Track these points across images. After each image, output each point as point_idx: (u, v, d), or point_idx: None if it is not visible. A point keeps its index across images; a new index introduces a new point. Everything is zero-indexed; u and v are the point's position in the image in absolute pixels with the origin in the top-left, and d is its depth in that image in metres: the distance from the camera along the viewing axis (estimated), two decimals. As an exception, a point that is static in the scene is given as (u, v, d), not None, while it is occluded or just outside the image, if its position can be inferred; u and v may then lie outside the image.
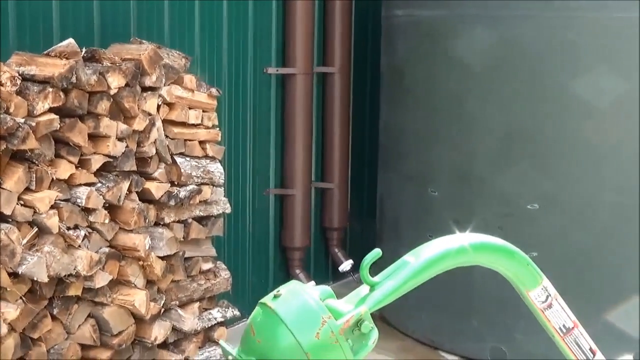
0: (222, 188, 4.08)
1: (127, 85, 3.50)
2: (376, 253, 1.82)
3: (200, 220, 4.02)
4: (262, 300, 1.80)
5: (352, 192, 6.16)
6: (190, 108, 3.89)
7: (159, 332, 3.72)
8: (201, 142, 3.97)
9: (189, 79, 3.88)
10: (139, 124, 3.57)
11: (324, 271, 6.05)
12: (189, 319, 3.88)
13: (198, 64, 4.61)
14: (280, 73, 5.28)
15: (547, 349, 4.61)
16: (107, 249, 3.49)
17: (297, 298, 1.76)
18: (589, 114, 4.22)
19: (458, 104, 4.56)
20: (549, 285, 2.00)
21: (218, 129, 4.07)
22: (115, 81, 3.42)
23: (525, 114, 4.33)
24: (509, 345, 4.55)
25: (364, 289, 1.86)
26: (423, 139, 4.79)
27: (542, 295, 1.95)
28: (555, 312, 1.97)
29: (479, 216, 4.56)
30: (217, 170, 4.02)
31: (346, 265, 5.89)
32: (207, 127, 4.00)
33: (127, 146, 3.53)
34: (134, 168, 3.58)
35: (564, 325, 2.00)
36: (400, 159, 5.04)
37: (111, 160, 3.48)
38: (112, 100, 3.43)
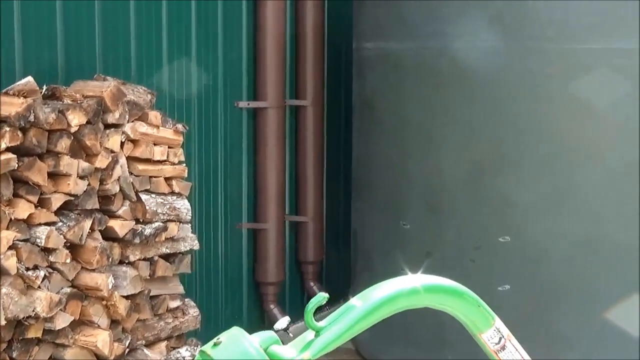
0: (189, 225, 4.04)
1: (88, 122, 3.46)
2: (321, 297, 1.78)
3: (167, 257, 3.98)
4: (202, 347, 1.75)
5: (327, 225, 6.12)
6: (155, 144, 3.86)
7: (123, 373, 3.65)
8: (167, 179, 3.94)
9: (154, 115, 3.86)
10: (101, 162, 3.53)
11: (299, 306, 5.98)
12: (156, 359, 3.82)
13: (167, 99, 4.58)
14: (251, 107, 5.26)
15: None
16: (68, 289, 3.43)
17: (237, 345, 1.71)
18: (559, 143, 4.21)
19: (426, 135, 4.54)
20: (502, 325, 1.96)
21: (184, 165, 4.04)
22: (76, 119, 3.39)
23: (493, 144, 4.32)
24: (483, 379, 4.49)
25: (309, 334, 1.81)
26: (393, 170, 4.77)
27: (494, 337, 1.92)
28: (509, 353, 1.93)
29: (450, 249, 4.53)
30: (183, 206, 3.98)
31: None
32: (173, 163, 3.97)
33: (88, 184, 3.49)
34: (97, 206, 3.54)
35: (518, 367, 1.95)
36: (371, 191, 5.02)
37: (72, 198, 3.43)
38: (72, 138, 3.39)
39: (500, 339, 1.91)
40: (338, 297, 6.16)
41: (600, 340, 4.22)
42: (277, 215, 5.40)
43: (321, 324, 1.80)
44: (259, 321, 5.53)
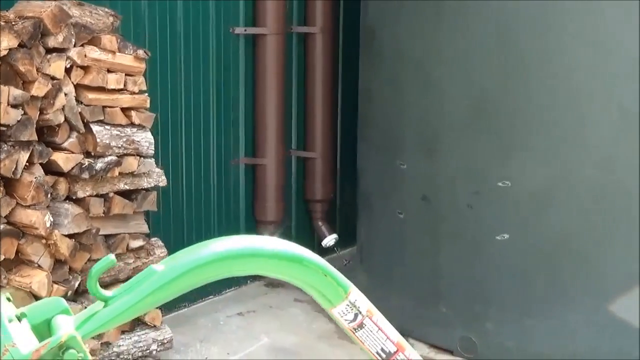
0: (152, 159, 3.74)
1: (21, 46, 3.16)
2: (108, 261, 1.45)
3: (127, 194, 3.70)
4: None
5: (341, 162, 5.76)
6: (110, 71, 3.55)
7: (67, 316, 3.41)
8: (125, 109, 3.63)
9: (109, 40, 3.54)
10: (39, 89, 3.24)
11: (307, 246, 5.65)
12: (107, 302, 3.56)
13: (145, 22, 4.26)
14: (249, 33, 4.88)
15: (520, 340, 4.19)
16: (1, 226, 3.19)
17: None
18: (566, 83, 3.70)
19: (424, 70, 4.09)
20: (360, 299, 1.59)
21: (146, 94, 3.72)
22: (5, 41, 3.09)
23: (495, 82, 3.85)
24: (479, 335, 4.12)
25: (98, 304, 1.49)
26: (391, 107, 4.35)
27: (348, 313, 1.55)
28: (369, 333, 1.56)
29: (447, 193, 4.11)
30: (144, 139, 3.68)
31: (329, 239, 5.53)
32: (133, 93, 3.65)
33: (24, 113, 3.21)
34: (34, 137, 3.26)
35: (382, 349, 1.58)
36: (371, 129, 4.61)
37: (3, 129, 3.16)
38: (0, 63, 3.10)
39: (356, 315, 1.54)
40: (349, 239, 5.83)
41: (603, 295, 3.77)
42: (277, 150, 5.06)
43: (109, 292, 1.47)
44: (258, 262, 5.25)
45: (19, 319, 1.44)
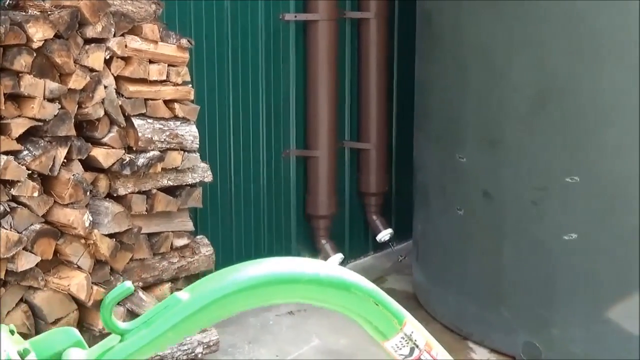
0: (197, 153, 3.56)
1: (58, 36, 3.00)
2: (124, 289, 1.25)
3: (171, 190, 3.53)
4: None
5: (397, 153, 5.52)
6: (151, 62, 3.37)
7: (108, 319, 3.26)
8: (168, 102, 3.45)
9: (150, 29, 3.36)
10: (77, 82, 3.08)
11: (362, 241, 5.46)
12: (150, 305, 3.41)
13: (190, 9, 4.07)
14: (299, 19, 4.65)
15: (589, 347, 3.92)
16: (38, 226, 3.04)
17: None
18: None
19: (487, 56, 3.83)
20: (417, 330, 1.36)
21: (190, 85, 3.53)
22: (40, 32, 2.93)
23: (565, 68, 3.56)
24: (544, 341, 3.86)
25: (114, 337, 1.29)
26: (450, 96, 4.09)
27: (404, 347, 1.33)
28: (427, 370, 1.34)
29: (510, 189, 3.85)
30: (189, 133, 3.50)
31: (384, 234, 5.30)
32: (176, 84, 3.48)
33: (61, 108, 3.05)
34: (72, 132, 3.10)
35: (443, 390, 1.36)
36: (428, 119, 4.36)
37: (40, 124, 3.00)
38: (35, 54, 2.94)
39: (412, 349, 1.32)
40: (405, 233, 5.59)
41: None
42: (329, 142, 4.83)
43: (127, 325, 1.27)
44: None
45: (22, 356, 1.25)
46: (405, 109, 5.41)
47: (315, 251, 5.03)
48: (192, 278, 3.70)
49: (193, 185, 3.61)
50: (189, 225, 3.65)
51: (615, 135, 3.52)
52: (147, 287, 3.52)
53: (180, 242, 3.61)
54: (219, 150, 4.36)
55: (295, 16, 4.63)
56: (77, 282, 3.11)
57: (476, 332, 4.16)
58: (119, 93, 3.28)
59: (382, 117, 5.16)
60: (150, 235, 3.50)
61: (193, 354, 3.69)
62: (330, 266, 1.40)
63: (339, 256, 4.94)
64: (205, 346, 3.73)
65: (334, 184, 4.92)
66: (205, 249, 3.74)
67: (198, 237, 3.78)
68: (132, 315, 3.40)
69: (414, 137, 4.70)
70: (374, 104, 5.10)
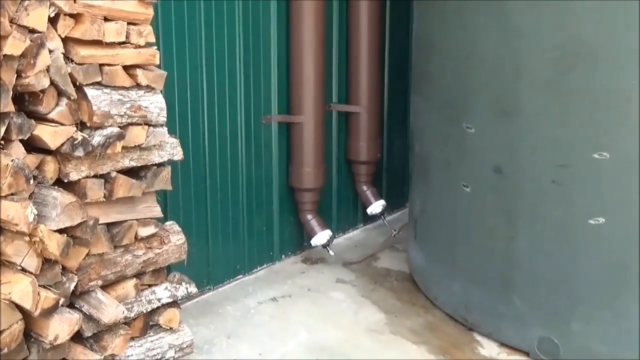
0: (164, 128, 3.02)
1: (-13, -10, 2.42)
2: None
3: (134, 172, 3.00)
4: None
5: (389, 118, 5.00)
6: (107, 20, 2.80)
7: (60, 327, 2.75)
8: (129, 68, 2.90)
9: (104, -20, 2.78)
10: (15, 46, 2.51)
11: (351, 213, 4.98)
12: (111, 307, 2.90)
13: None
14: (281, -30, 4.09)
15: (614, 345, 3.47)
16: (-31, 224, 2.50)
17: None
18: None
19: (501, 11, 3.30)
20: None
21: (155, 48, 2.97)
22: (-38, -14, 2.35)
23: (591, 27, 3.05)
24: (562, 336, 3.41)
25: None
26: (457, 57, 3.57)
27: None
28: None
29: (526, 165, 3.36)
30: (154, 104, 2.96)
31: (375, 207, 4.81)
32: (138, 46, 2.92)
33: (-6, 78, 2.49)
34: (10, 108, 2.55)
35: None
36: (429, 82, 3.84)
37: (-33, 99, 2.44)
38: (-42, 13, 2.37)
39: None
40: (397, 202, 5.11)
41: None
42: (315, 105, 4.31)
43: None
44: (294, 236, 4.56)
45: None
46: (399, 68, 4.90)
47: (299, 228, 4.54)
48: (160, 272, 3.19)
49: (160, 165, 3.09)
50: (156, 211, 3.13)
51: (652, 104, 3.02)
52: (107, 286, 3.00)
53: (146, 231, 3.10)
54: (190, 122, 3.83)
55: (276, -36, 4.06)
56: (20, 288, 2.58)
57: (484, 324, 3.70)
58: (67, 58, 2.73)
59: (373, 77, 4.64)
60: (110, 226, 2.98)
61: (164, 359, 3.20)
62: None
63: (327, 233, 4.45)
64: (178, 349, 3.24)
65: (320, 153, 4.41)
66: (176, 238, 3.23)
67: (167, 223, 3.27)
68: (90, 320, 2.89)
69: (411, 101, 4.18)
70: (364, 62, 4.58)
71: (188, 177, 3.86)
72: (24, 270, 2.64)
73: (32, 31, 2.58)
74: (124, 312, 2.94)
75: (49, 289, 2.73)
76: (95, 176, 2.86)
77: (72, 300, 2.89)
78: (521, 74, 3.28)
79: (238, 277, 4.27)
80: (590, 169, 3.18)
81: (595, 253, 3.26)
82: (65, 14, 2.69)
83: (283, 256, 4.53)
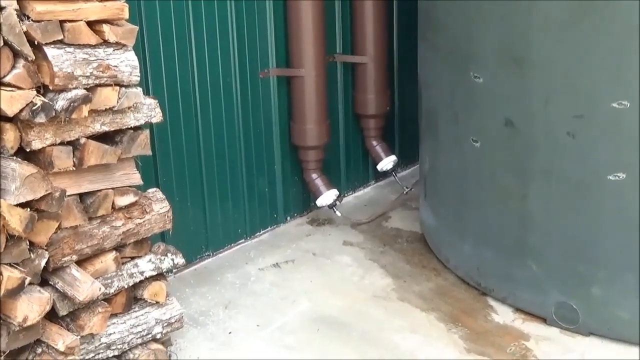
0: (138, 88, 2.77)
1: None
2: None
3: (112, 136, 2.77)
4: None
5: (400, 67, 4.70)
6: (66, -30, 2.54)
7: (29, 308, 2.55)
8: (94, 23, 2.64)
9: None
10: (-43, 3, 2.27)
11: (361, 170, 4.72)
12: (86, 284, 2.69)
13: None
14: None
15: (636, 310, 3.20)
16: None
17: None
18: None
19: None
20: None
21: (123, 0, 2.71)
22: None
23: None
24: (582, 301, 3.15)
25: None
26: (464, 3, 3.25)
27: None
28: None
29: (539, 116, 3.06)
30: (125, 62, 2.71)
31: (386, 163, 4.54)
32: (103, -1, 2.65)
33: (-64, 40, 2.25)
34: (-42, 73, 2.31)
35: None
36: (434, 28, 3.54)
37: None
38: None
39: None
40: (410, 157, 4.83)
41: None
42: (316, 57, 4.02)
43: None
44: (299, 196, 4.31)
45: None
46: (408, 13, 4.57)
47: (305, 188, 4.29)
48: (143, 243, 2.97)
49: (137, 128, 2.84)
50: (135, 178, 2.90)
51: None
52: (85, 260, 2.79)
53: (124, 200, 2.87)
54: (179, 78, 3.57)
55: None
56: (-22, 273, 2.38)
57: (498, 288, 3.45)
58: (22, 14, 2.47)
59: (380, 24, 4.34)
60: (83, 196, 2.76)
61: (150, 336, 3.00)
62: None
63: (334, 192, 4.19)
64: (166, 324, 3.04)
65: (324, 108, 4.13)
66: (159, 206, 3.00)
67: (150, 191, 3.04)
68: (65, 298, 2.69)
69: (418, 49, 3.88)
70: (369, 7, 4.27)
71: (179, 138, 3.62)
72: (-15, 249, 2.44)
73: (-22, -14, 2.34)
74: (100, 288, 2.72)
75: (16, 267, 2.52)
76: (62, 143, 2.62)
77: (46, 277, 2.70)
78: (532, 18, 2.96)
79: (240, 241, 4.05)
80: (609, 120, 2.88)
81: (616, 212, 2.98)
82: (17, -35, 2.44)
83: (288, 218, 4.30)
